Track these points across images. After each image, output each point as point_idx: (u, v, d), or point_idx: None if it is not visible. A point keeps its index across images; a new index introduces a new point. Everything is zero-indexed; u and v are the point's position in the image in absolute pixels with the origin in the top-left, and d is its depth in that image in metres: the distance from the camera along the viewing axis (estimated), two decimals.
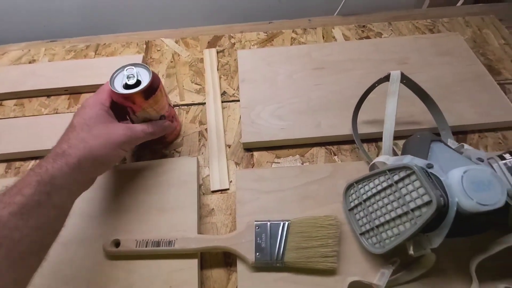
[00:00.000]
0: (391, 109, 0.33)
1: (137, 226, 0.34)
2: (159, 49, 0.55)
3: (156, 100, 0.35)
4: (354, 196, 0.33)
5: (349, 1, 0.64)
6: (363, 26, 0.56)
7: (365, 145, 0.41)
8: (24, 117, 0.47)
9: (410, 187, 0.26)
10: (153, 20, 0.71)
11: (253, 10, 0.70)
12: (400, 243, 0.27)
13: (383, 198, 0.29)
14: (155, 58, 0.53)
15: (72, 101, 0.48)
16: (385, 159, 0.31)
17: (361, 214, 0.31)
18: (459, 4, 0.67)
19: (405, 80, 0.36)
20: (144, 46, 0.55)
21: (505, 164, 0.27)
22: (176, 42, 0.56)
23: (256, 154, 0.41)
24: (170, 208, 0.35)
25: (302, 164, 0.40)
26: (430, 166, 0.28)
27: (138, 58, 0.51)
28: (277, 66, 0.48)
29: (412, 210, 0.26)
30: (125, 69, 0.34)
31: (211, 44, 0.55)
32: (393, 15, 0.59)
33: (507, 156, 0.27)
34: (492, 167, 0.27)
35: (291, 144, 0.41)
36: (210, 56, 0.52)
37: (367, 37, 0.54)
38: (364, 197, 0.31)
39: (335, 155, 0.41)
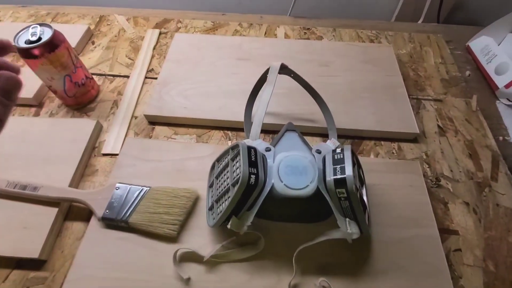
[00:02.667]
0: (265, 97, 0.34)
1: (19, 171, 0.36)
2: (109, 23, 0.58)
3: (57, 58, 0.37)
4: (213, 173, 0.34)
5: (302, 4, 0.65)
6: (308, 29, 0.58)
7: (262, 135, 0.42)
8: None
9: (237, 165, 0.27)
10: None
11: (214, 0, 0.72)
12: (224, 220, 0.28)
13: (224, 175, 0.30)
14: (102, 31, 0.56)
15: (16, 58, 0.52)
16: (247, 142, 0.32)
17: (213, 191, 0.32)
18: (420, 21, 0.67)
19: (292, 74, 0.37)
20: (98, 19, 0.58)
21: (333, 157, 0.27)
22: (127, 19, 0.58)
23: (157, 128, 0.43)
24: (54, 161, 0.37)
25: (196, 142, 0.41)
26: (268, 149, 0.29)
27: (83, 28, 0.54)
28: (205, 52, 0.50)
29: (232, 185, 0.27)
30: (30, 27, 0.37)
31: (158, 26, 0.58)
32: (343, 23, 0.60)
33: (337, 150, 0.28)
34: (324, 159, 0.28)
35: (192, 124, 0.43)
36: (151, 36, 0.55)
37: (307, 39, 0.56)
38: (216, 174, 0.32)
39: (229, 140, 0.42)
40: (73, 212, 0.35)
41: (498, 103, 0.48)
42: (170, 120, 0.43)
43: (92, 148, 0.40)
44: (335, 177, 0.26)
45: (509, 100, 0.48)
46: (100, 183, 0.38)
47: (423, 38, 0.56)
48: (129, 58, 0.52)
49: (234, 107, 0.43)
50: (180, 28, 0.57)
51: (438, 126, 0.44)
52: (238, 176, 0.26)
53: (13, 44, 0.35)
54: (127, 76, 0.49)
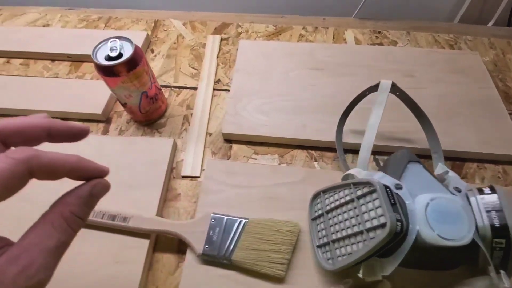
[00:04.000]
0: (374, 120, 0.31)
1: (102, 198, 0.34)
2: (165, 29, 0.55)
3: (137, 75, 0.35)
4: (319, 205, 0.31)
5: (369, 5, 0.60)
6: (379, 32, 0.53)
7: (349, 156, 0.39)
8: (27, 76, 0.48)
9: (370, 205, 0.24)
10: (167, 0, 0.72)
11: (267, 1, 0.68)
12: (352, 266, 0.25)
13: (343, 212, 0.27)
14: (159, 38, 0.53)
15: (73, 68, 0.49)
16: (357, 172, 0.29)
17: (322, 225, 0.30)
18: (490, 24, 0.61)
19: (398, 92, 0.33)
20: (153, 24, 0.55)
21: (482, 198, 0.24)
22: (184, 24, 0.55)
23: (235, 146, 0.40)
24: (136, 185, 0.35)
25: (279, 164, 0.38)
26: (398, 186, 0.25)
27: (142, 35, 0.51)
28: (276, 61, 0.47)
29: (367, 230, 0.24)
30: (109, 41, 0.34)
31: (217, 31, 0.54)
32: (415, 25, 0.55)
33: (486, 190, 0.24)
34: (468, 200, 0.25)
35: (272, 142, 0.40)
36: (213, 43, 0.51)
37: (380, 44, 0.51)
38: (327, 208, 0.29)
39: (315, 161, 0.39)
40: (161, 242, 0.33)
41: None
42: (249, 138, 0.40)
43: (171, 169, 0.38)
44: (492, 224, 0.22)
45: None
46: (185, 209, 0.35)
47: (504, 44, 0.51)
48: (193, 68, 0.49)
49: (316, 124, 0.40)
50: (241, 33, 0.54)
51: None
52: (379, 221, 0.23)
53: (92, 58, 0.32)
54: (194, 88, 0.46)
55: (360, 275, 0.25)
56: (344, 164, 0.35)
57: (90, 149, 0.37)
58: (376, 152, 0.38)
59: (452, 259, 0.25)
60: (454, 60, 0.46)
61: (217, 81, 0.47)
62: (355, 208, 0.26)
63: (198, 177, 0.37)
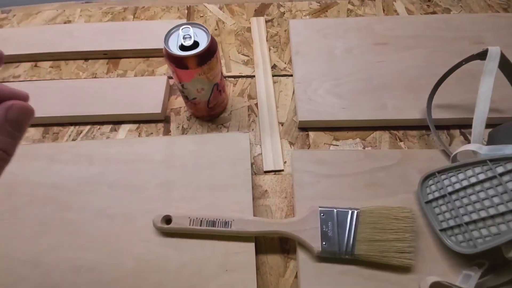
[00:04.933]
0: (486, 91, 0.29)
1: (188, 203, 0.31)
2: (202, 15, 0.50)
3: (212, 67, 0.31)
4: (434, 187, 0.29)
5: None
6: (429, 1, 0.50)
7: (439, 132, 0.37)
8: (61, 79, 0.44)
9: None
10: None
11: None
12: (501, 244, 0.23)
13: (478, 192, 0.25)
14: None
15: (111, 66, 0.45)
16: (477, 147, 0.27)
17: (443, 208, 0.28)
18: None
19: (501, 60, 0.31)
20: (186, 11, 0.51)
21: None
22: (220, 8, 0.51)
23: (312, 134, 0.38)
24: (222, 186, 0.32)
25: (364, 148, 0.36)
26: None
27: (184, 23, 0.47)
28: (334, 39, 0.44)
29: None
30: (181, 28, 0.30)
31: (258, 12, 0.50)
32: None
33: None
34: None
35: (350, 126, 0.38)
36: (258, 25, 0.48)
37: (433, 13, 0.49)
38: (450, 189, 0.27)
39: (401, 141, 0.37)
40: (261, 243, 0.31)
41: None
42: (326, 124, 0.37)
43: (252, 166, 0.35)
44: None
45: None
46: (277, 206, 0.33)
47: None
48: (244, 55, 0.45)
49: (396, 102, 0.37)
50: (284, 13, 0.50)
51: None
52: None
53: (166, 48, 0.28)
54: (251, 76, 0.43)
55: (510, 255, 0.23)
56: (441, 142, 0.33)
57: (159, 153, 0.34)
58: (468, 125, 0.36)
59: None
60: None
61: (273, 67, 0.43)
62: (496, 186, 0.24)
63: (282, 170, 0.35)
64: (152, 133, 0.38)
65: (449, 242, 0.27)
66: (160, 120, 0.39)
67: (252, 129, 0.38)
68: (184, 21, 0.48)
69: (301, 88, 0.39)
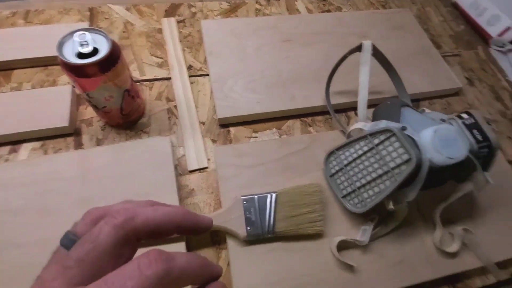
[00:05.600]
0: (364, 78, 0.35)
1: None
2: (106, 17, 0.47)
3: (118, 73, 0.30)
4: (334, 162, 0.34)
5: None
6: (324, 0, 0.57)
7: (338, 115, 0.43)
8: None
9: (390, 148, 0.28)
10: None
11: None
12: (381, 201, 0.29)
13: (364, 161, 0.31)
14: (103, 28, 0.46)
15: (2, 79, 0.39)
16: (362, 125, 0.33)
17: (342, 178, 0.33)
18: None
19: (373, 52, 0.38)
20: (88, 13, 0.47)
21: (463, 122, 0.30)
22: (127, 9, 0.49)
23: (232, 129, 0.40)
24: (146, 193, 0.32)
25: (280, 137, 0.40)
26: (404, 128, 0.30)
27: (82, 27, 0.43)
28: (245, 38, 0.46)
29: (392, 168, 0.28)
30: (75, 35, 0.29)
31: (169, 13, 0.50)
32: None
33: (464, 115, 0.31)
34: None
35: (267, 118, 0.41)
36: (169, 26, 0.47)
37: (329, 11, 0.55)
38: (345, 162, 0.32)
39: (310, 126, 0.42)
40: (192, 240, 0.32)
41: (491, 50, 0.57)
42: (244, 118, 0.40)
43: (175, 167, 0.36)
44: (476, 139, 0.29)
45: (499, 47, 0.58)
46: (205, 202, 0.34)
47: None
48: (157, 57, 0.44)
49: (302, 92, 0.42)
50: (195, 13, 0.50)
51: (466, 78, 0.51)
52: (402, 159, 0.27)
53: (60, 57, 0.27)
54: (167, 79, 0.43)
55: (391, 206, 0.29)
56: (340, 123, 0.39)
57: (72, 169, 0.32)
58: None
59: (449, 174, 0.32)
60: (391, 18, 0.53)
61: (189, 67, 0.44)
62: (375, 154, 0.30)
63: (207, 167, 0.36)
64: (61, 149, 0.35)
65: (349, 205, 0.32)
66: (69, 134, 0.36)
67: (174, 132, 0.38)
68: (86, 24, 0.44)
69: (218, 86, 0.41)
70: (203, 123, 0.40)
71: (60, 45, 0.28)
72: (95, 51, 0.29)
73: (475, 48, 0.55)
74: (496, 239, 0.34)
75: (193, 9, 0.51)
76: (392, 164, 0.28)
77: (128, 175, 0.32)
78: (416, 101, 0.46)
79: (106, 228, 0.15)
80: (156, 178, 0.33)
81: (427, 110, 0.35)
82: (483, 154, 0.30)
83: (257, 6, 0.53)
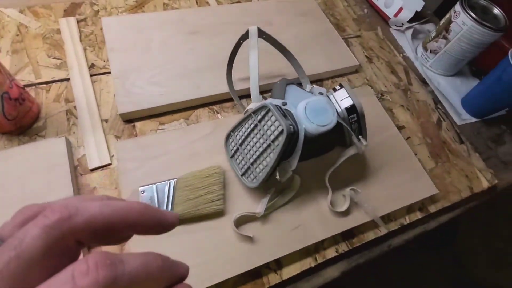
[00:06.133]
0: (253, 61, 0.37)
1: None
2: None
3: None
4: (233, 144, 0.36)
5: None
6: None
7: (244, 100, 0.45)
8: None
9: (269, 123, 0.31)
10: None
11: None
12: (270, 173, 0.32)
13: (252, 138, 0.33)
14: None
15: None
16: (253, 105, 0.35)
17: (240, 158, 0.35)
18: None
19: (264, 36, 0.40)
20: None
21: (336, 93, 0.34)
22: (21, 12, 0.46)
23: (138, 124, 0.40)
24: (41, 198, 0.31)
25: (187, 126, 0.41)
26: (284, 103, 0.32)
27: None
28: (149, 32, 0.46)
29: (272, 141, 0.30)
30: None
31: (68, 13, 0.48)
32: None
33: (337, 87, 0.34)
34: (329, 98, 0.34)
35: (174, 109, 0.42)
36: (68, 26, 0.46)
37: (238, 2, 0.57)
38: (240, 142, 0.34)
39: (218, 113, 0.43)
40: None
41: (391, 30, 0.64)
42: (150, 112, 0.40)
43: (74, 168, 0.35)
44: (345, 107, 0.32)
45: (398, 26, 0.64)
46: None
47: None
48: (55, 58, 0.43)
49: (209, 81, 0.43)
50: (98, 11, 0.49)
51: (366, 56, 0.56)
52: (279, 130, 0.29)
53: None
54: (66, 80, 0.41)
55: (278, 176, 0.31)
56: (242, 106, 0.41)
57: None
58: (264, 91, 0.45)
59: (329, 142, 0.35)
60: (296, 6, 0.57)
61: (91, 66, 0.43)
62: (259, 130, 0.32)
63: (110, 164, 0.36)
64: None
65: (247, 182, 0.34)
66: None
67: (74, 132, 0.38)
68: None
69: (120, 83, 0.40)
70: (106, 121, 0.39)
71: None
72: None
73: (375, 29, 0.61)
74: (383, 195, 0.38)
75: (95, 7, 0.49)
76: (272, 137, 0.30)
77: (16, 182, 0.31)
78: (320, 81, 0.50)
79: (34, 231, 0.12)
80: (50, 181, 0.32)
81: (315, 87, 0.38)
82: (354, 120, 0.33)
83: (165, 1, 0.53)
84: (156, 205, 0.31)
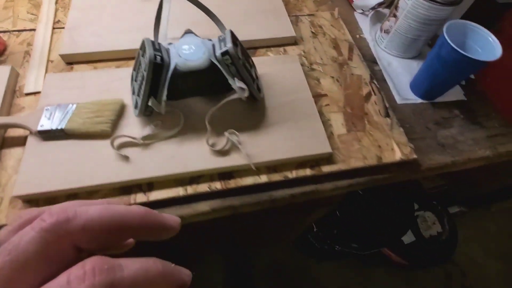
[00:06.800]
0: (165, 13, 0.42)
1: None
2: None
3: None
4: (134, 81, 0.41)
5: None
6: None
7: None
8: None
9: (146, 56, 0.35)
10: None
11: None
12: (145, 103, 0.36)
13: (138, 72, 0.37)
14: None
15: None
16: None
17: (134, 92, 0.40)
18: None
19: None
20: None
21: (219, 38, 0.37)
22: None
23: (76, 66, 0.47)
24: None
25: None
26: (170, 44, 0.37)
27: None
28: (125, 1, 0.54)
29: (145, 70, 0.34)
30: None
31: None
32: None
33: (222, 35, 0.37)
34: (214, 46, 0.37)
35: (110, 58, 0.48)
36: None
37: None
38: (133, 77, 0.39)
39: None
40: (7, 142, 0.39)
41: (355, 14, 0.63)
42: (87, 57, 0.47)
43: (13, 91, 0.43)
44: (221, 50, 0.35)
45: (362, 10, 0.63)
46: None
47: None
48: (32, 14, 0.53)
49: (146, 36, 0.49)
50: None
51: (312, 32, 0.57)
52: (148, 60, 0.33)
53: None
54: (33, 30, 0.51)
55: (149, 103, 0.35)
56: None
57: None
58: None
59: (212, 82, 0.38)
60: None
61: (57, 22, 0.52)
62: (141, 64, 0.36)
63: (40, 92, 0.44)
64: None
65: (134, 111, 0.38)
66: None
67: (24, 67, 0.46)
68: None
69: (68, 33, 0.48)
70: (52, 61, 0.47)
71: None
72: None
73: (334, 10, 0.62)
74: (269, 145, 0.39)
75: None
76: (145, 67, 0.34)
77: None
78: (254, 49, 0.52)
79: (30, 234, 0.12)
80: None
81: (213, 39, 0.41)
82: (229, 62, 0.35)
83: None
84: (53, 119, 0.37)
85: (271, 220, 0.73)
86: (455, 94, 0.53)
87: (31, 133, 0.37)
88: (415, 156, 0.43)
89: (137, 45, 0.47)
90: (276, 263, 1.24)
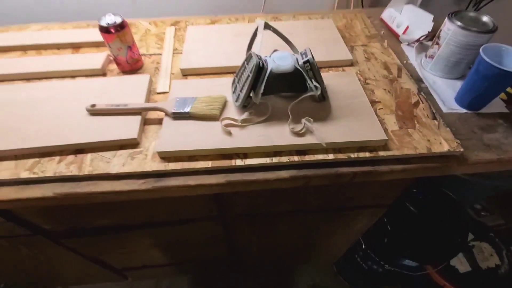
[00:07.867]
0: (259, 38, 0.59)
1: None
2: (136, 26, 0.81)
3: (124, 34, 0.60)
4: (234, 83, 0.56)
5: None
6: (276, 17, 0.85)
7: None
8: (40, 56, 0.71)
9: (250, 63, 0.51)
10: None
11: (204, 5, 0.99)
12: (247, 95, 0.50)
13: (242, 74, 0.53)
14: (133, 32, 0.80)
15: (74, 50, 0.73)
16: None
17: (236, 91, 0.55)
18: (350, 8, 0.97)
19: (272, 29, 0.62)
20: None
21: (301, 54, 0.51)
22: (150, 23, 0.83)
23: (189, 77, 0.65)
24: (129, 99, 0.58)
25: None
26: (265, 57, 0.52)
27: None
28: (212, 35, 0.75)
29: (250, 72, 0.50)
30: (107, 15, 0.60)
31: (173, 24, 0.82)
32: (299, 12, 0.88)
33: (303, 51, 0.52)
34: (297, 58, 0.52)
35: (214, 72, 0.66)
36: (170, 31, 0.79)
37: (277, 19, 0.82)
38: (237, 79, 0.55)
39: None
40: (147, 121, 0.56)
41: (402, 45, 0.76)
42: (197, 71, 0.66)
43: (149, 91, 0.62)
44: (303, 59, 0.50)
45: (408, 43, 0.76)
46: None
47: (352, 15, 0.85)
48: (158, 44, 0.75)
49: (240, 58, 0.67)
50: (188, 25, 0.82)
51: (365, 57, 0.70)
52: (253, 64, 0.49)
53: (100, 24, 0.57)
54: (160, 54, 0.72)
55: (251, 94, 0.50)
56: None
57: (97, 87, 0.60)
58: None
59: (291, 82, 0.52)
60: (317, 24, 0.78)
61: (175, 50, 0.73)
62: (245, 69, 0.52)
63: (167, 92, 0.62)
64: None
65: (236, 104, 0.53)
66: (100, 75, 0.66)
67: (155, 76, 0.66)
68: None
69: (188, 56, 0.68)
70: (173, 74, 0.66)
71: (100, 20, 0.59)
72: (114, 22, 0.59)
73: (383, 42, 0.75)
74: (335, 130, 0.51)
75: (187, 23, 0.83)
76: (250, 69, 0.50)
77: (125, 90, 0.59)
78: (319, 69, 0.67)
79: None
80: (137, 92, 0.59)
81: (295, 54, 0.57)
82: (308, 68, 0.49)
83: (227, 20, 0.83)
84: (181, 106, 0.53)
85: (323, 222, 0.79)
86: (498, 107, 0.60)
87: (166, 114, 0.54)
88: (461, 149, 0.50)
89: (231, 64, 0.66)
90: (316, 287, 1.23)
